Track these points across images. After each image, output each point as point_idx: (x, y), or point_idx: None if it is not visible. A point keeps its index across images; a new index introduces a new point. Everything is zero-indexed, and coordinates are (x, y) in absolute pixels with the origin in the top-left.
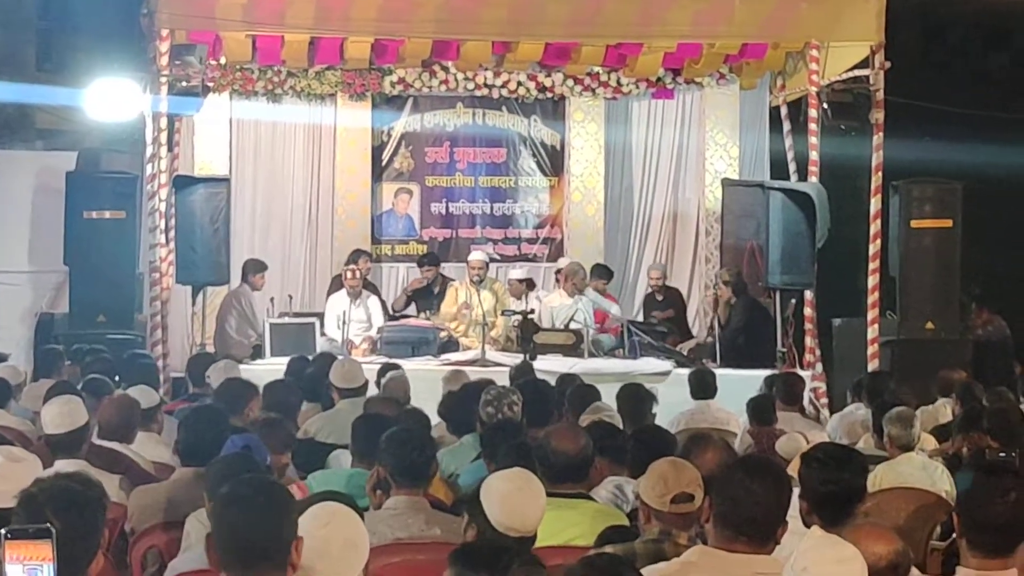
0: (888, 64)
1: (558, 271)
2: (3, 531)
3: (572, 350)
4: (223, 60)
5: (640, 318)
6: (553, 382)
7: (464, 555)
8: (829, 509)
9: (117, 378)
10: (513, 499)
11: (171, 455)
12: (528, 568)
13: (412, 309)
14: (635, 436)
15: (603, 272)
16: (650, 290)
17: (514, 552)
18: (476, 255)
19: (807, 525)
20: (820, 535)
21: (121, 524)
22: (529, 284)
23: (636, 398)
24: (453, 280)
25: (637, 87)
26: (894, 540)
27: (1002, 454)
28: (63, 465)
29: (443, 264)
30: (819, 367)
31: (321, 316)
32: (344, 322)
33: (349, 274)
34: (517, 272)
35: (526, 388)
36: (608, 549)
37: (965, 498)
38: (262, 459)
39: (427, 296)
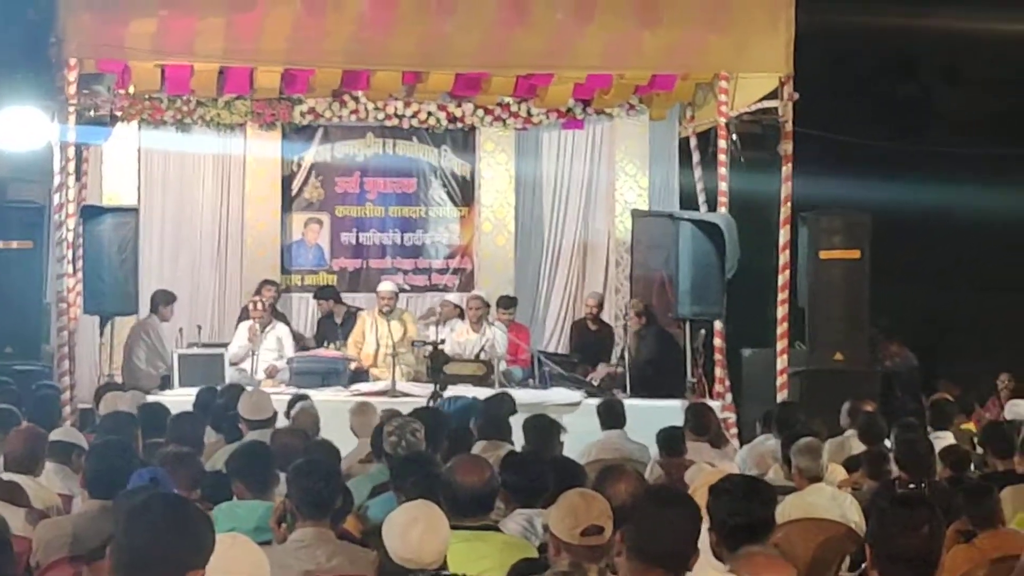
0: (796, 95)
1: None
2: None
3: (482, 380)
4: (132, 89)
5: (557, 348)
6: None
7: None
8: (737, 540)
9: (23, 409)
10: (410, 532)
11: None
12: None
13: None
14: (544, 467)
15: (506, 302)
16: (584, 317)
17: None
18: (386, 285)
19: (717, 557)
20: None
21: (26, 558)
22: (462, 313)
23: (543, 428)
24: (361, 309)
25: (547, 118)
26: (789, 569)
27: (911, 485)
28: None
29: (354, 294)
30: (728, 397)
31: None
32: (253, 351)
33: (252, 305)
34: (453, 297)
35: (423, 415)
36: None
37: (877, 530)
38: (169, 492)
39: (331, 328)
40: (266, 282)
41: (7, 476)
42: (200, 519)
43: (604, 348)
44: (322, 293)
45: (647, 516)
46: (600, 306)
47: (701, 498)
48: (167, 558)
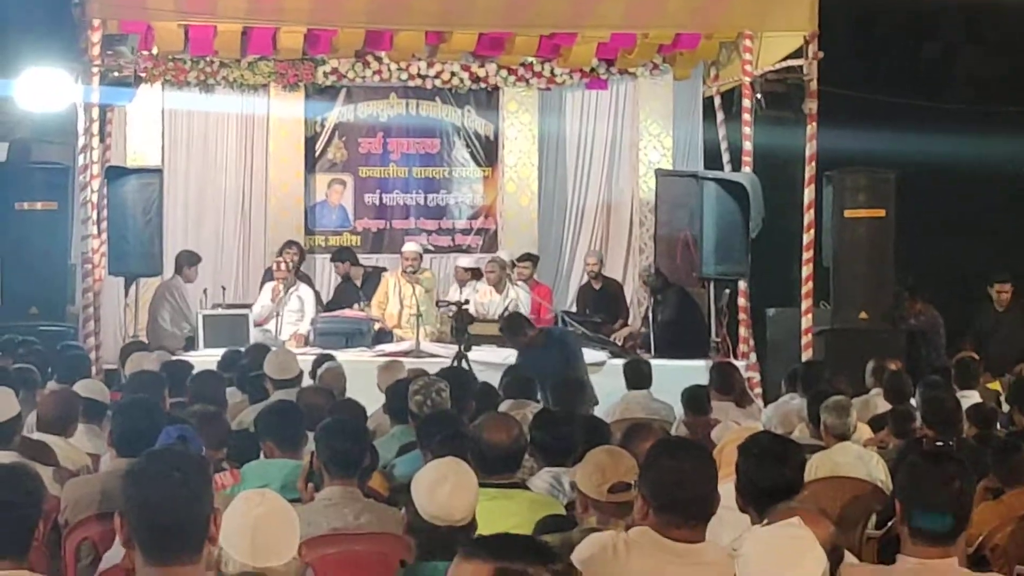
0: (821, 54)
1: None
2: None
3: (506, 341)
4: (155, 50)
5: (574, 308)
6: (486, 372)
7: None
8: (766, 502)
9: (50, 369)
10: (439, 489)
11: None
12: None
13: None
14: (572, 426)
15: (525, 257)
16: (586, 279)
17: None
18: (410, 246)
19: (743, 511)
20: (788, 520)
21: (54, 516)
22: (475, 273)
23: (570, 388)
24: (384, 269)
25: (571, 77)
26: (826, 525)
27: (938, 443)
28: None
29: (377, 255)
30: (753, 357)
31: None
32: (277, 312)
33: (275, 266)
34: (465, 260)
35: (449, 375)
36: (547, 538)
37: (908, 484)
38: (197, 450)
39: (351, 291)
40: (289, 243)
41: (37, 436)
42: (197, 465)
43: (613, 305)
44: (339, 256)
45: (663, 468)
46: (601, 263)
47: (729, 456)
48: (183, 512)
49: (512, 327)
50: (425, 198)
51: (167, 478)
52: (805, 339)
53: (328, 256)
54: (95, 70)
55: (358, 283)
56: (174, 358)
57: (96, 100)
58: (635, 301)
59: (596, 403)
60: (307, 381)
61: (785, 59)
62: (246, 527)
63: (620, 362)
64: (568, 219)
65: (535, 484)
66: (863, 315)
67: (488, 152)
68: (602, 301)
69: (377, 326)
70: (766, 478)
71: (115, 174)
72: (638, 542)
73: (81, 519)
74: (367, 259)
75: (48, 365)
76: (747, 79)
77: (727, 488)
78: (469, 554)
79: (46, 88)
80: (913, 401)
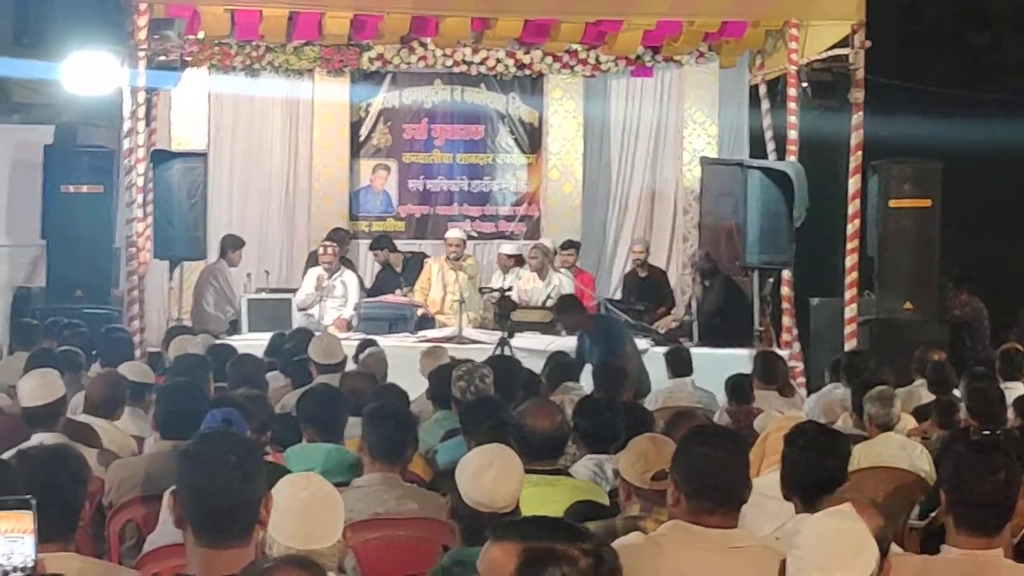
0: (868, 43)
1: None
2: None
3: (549, 328)
4: (201, 35)
5: (618, 296)
6: (529, 359)
7: None
8: (811, 494)
9: (94, 352)
10: (483, 476)
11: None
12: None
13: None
14: (615, 413)
15: (568, 244)
16: (632, 266)
17: None
18: (453, 232)
19: (787, 499)
20: (837, 508)
21: (99, 498)
22: (518, 260)
23: (613, 375)
24: (426, 256)
25: (616, 65)
26: (875, 516)
27: (985, 432)
28: (42, 438)
29: (420, 241)
30: (796, 346)
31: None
32: (321, 297)
33: (321, 250)
34: (508, 247)
35: (495, 363)
36: (589, 525)
37: (953, 474)
38: (242, 433)
39: (392, 278)
40: (335, 229)
41: (82, 418)
42: (250, 449)
43: (658, 293)
44: (377, 244)
45: (695, 455)
46: (647, 251)
47: (773, 444)
48: (237, 494)
49: (565, 307)
50: (469, 184)
51: (223, 460)
52: (849, 329)
53: (370, 241)
54: (141, 54)
55: (398, 269)
56: (218, 342)
57: (142, 84)
58: (678, 289)
59: (650, 390)
60: (350, 366)
61: (831, 48)
62: (292, 510)
63: (662, 350)
64: (612, 207)
65: (577, 471)
66: (908, 305)
67: (532, 139)
68: (647, 289)
69: (420, 312)
70: (811, 469)
71: (160, 158)
72: (669, 536)
73: (125, 501)
74: (411, 245)
75: (93, 348)
76: (793, 68)
77: (771, 477)
78: (498, 536)
79: (92, 72)
80: (957, 392)
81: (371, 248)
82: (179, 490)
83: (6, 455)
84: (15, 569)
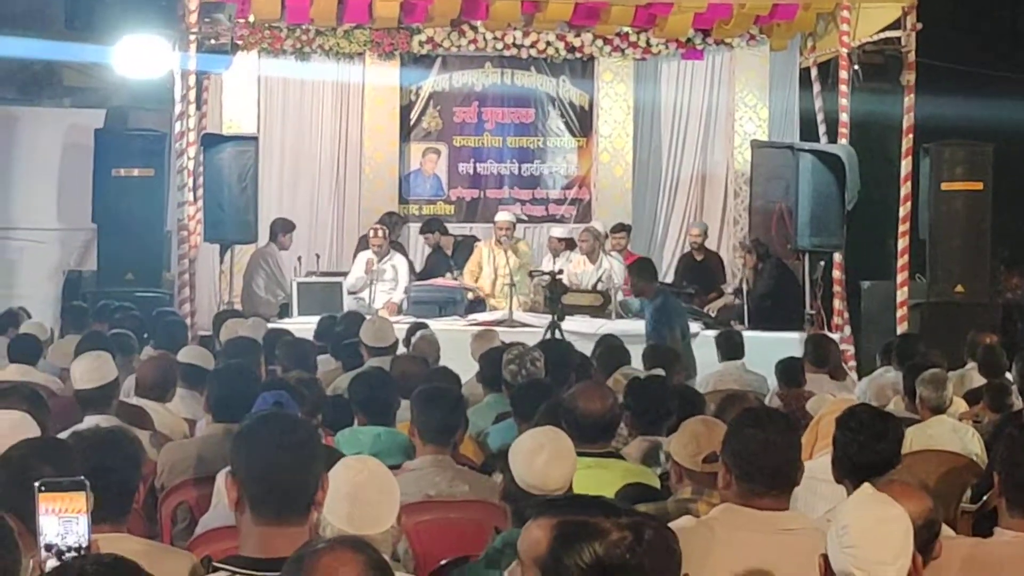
0: (919, 25)
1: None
2: (37, 483)
3: (600, 311)
4: (252, 18)
5: (670, 278)
6: (579, 342)
7: None
8: (862, 476)
9: (146, 335)
10: (536, 459)
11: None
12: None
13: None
14: (667, 392)
15: (619, 227)
16: (689, 249)
17: None
18: (503, 215)
19: (838, 482)
20: (870, 492)
21: (151, 480)
22: (569, 244)
23: (663, 357)
24: (477, 239)
25: (667, 48)
26: (925, 498)
27: None
28: (95, 420)
29: (471, 224)
30: (847, 330)
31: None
32: (371, 281)
33: (372, 233)
34: (558, 230)
35: (547, 347)
36: (641, 507)
37: (1007, 456)
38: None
39: (442, 261)
40: (386, 213)
41: (135, 400)
42: (309, 430)
43: (712, 278)
44: (427, 227)
45: (745, 437)
46: (704, 235)
47: (826, 428)
48: (297, 474)
49: (642, 269)
50: (519, 168)
51: (286, 440)
52: (900, 312)
53: (420, 225)
54: (192, 37)
55: (449, 252)
56: (270, 326)
57: (193, 67)
58: (729, 273)
59: (695, 374)
60: (401, 350)
61: (883, 30)
62: (347, 494)
63: (713, 333)
64: (662, 190)
65: (629, 454)
66: (959, 288)
67: (583, 122)
68: (703, 273)
69: (471, 295)
70: (864, 452)
71: (211, 141)
72: (720, 519)
73: (177, 483)
74: (461, 228)
75: (144, 331)
76: (844, 50)
77: (823, 460)
78: (536, 514)
79: (143, 55)
80: (1009, 375)
81: (422, 231)
82: (238, 470)
83: (61, 437)
84: (69, 549)
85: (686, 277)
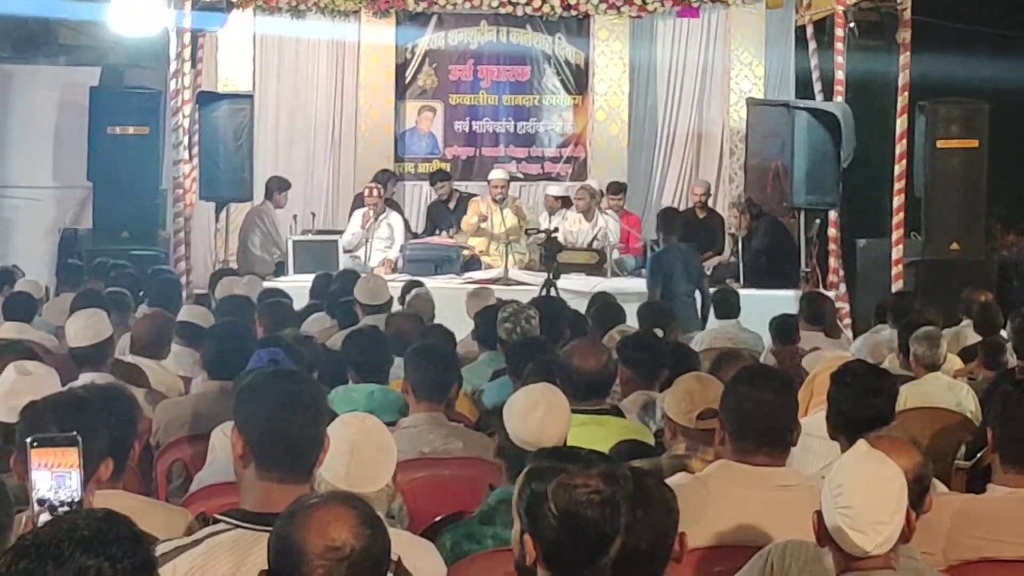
0: None
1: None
2: (29, 439)
3: (595, 269)
4: None
5: None
6: (575, 300)
7: None
8: (856, 432)
9: (141, 293)
10: (531, 415)
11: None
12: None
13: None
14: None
15: (615, 188)
16: (691, 205)
17: None
18: (497, 173)
19: (833, 438)
20: (864, 450)
21: (146, 438)
22: (564, 202)
23: (656, 313)
24: (475, 195)
25: (662, 5)
26: (915, 453)
27: None
28: (90, 377)
29: (466, 183)
30: (842, 288)
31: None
32: (367, 239)
33: (367, 192)
34: (555, 188)
35: (543, 305)
36: (636, 463)
37: (1001, 413)
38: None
39: (444, 214)
40: (381, 171)
41: (130, 358)
42: (316, 388)
43: (713, 236)
44: (437, 176)
45: (741, 396)
46: (708, 194)
47: (821, 383)
48: (307, 433)
49: (666, 216)
50: (515, 126)
51: (297, 398)
52: (895, 270)
53: (417, 183)
54: None
55: (451, 206)
56: (266, 284)
57: (188, 25)
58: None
59: (696, 328)
60: (396, 307)
61: None
62: (343, 452)
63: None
64: (658, 148)
65: (627, 407)
66: (955, 246)
67: (578, 80)
68: (705, 230)
69: (466, 253)
70: (858, 408)
71: (206, 99)
72: (715, 475)
73: (172, 441)
74: (456, 186)
75: (140, 289)
76: (840, 8)
77: (818, 417)
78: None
79: (138, 13)
80: (1004, 333)
81: (432, 182)
82: (245, 427)
83: (55, 394)
84: (61, 504)
85: (688, 235)
